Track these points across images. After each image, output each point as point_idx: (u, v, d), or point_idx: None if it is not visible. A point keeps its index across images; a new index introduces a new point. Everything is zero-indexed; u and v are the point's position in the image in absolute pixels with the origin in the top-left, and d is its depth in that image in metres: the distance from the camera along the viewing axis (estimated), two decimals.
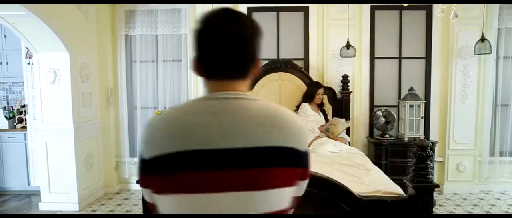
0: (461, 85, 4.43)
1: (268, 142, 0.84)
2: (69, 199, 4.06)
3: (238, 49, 0.89)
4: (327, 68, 4.58)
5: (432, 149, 4.19)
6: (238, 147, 0.82)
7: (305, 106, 4.05)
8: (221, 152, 0.82)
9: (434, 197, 2.14)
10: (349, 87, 4.43)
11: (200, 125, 0.85)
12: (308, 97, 4.12)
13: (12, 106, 4.95)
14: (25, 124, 4.67)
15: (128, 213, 3.98)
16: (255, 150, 0.83)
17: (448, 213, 3.89)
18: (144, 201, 2.32)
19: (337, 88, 4.50)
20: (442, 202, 4.18)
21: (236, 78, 0.92)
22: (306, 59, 4.62)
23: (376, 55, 4.60)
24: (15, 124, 4.78)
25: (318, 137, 3.93)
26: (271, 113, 0.88)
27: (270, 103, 0.92)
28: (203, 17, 0.91)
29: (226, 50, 0.89)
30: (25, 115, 4.70)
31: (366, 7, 4.52)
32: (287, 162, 0.87)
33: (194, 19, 4.57)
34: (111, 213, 3.99)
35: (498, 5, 4.32)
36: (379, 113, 4.39)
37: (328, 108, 4.38)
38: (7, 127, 4.67)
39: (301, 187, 0.98)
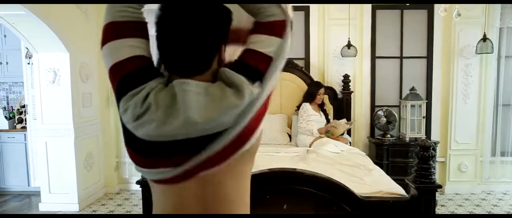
0: (463, 85, 4.41)
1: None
2: (69, 200, 4.04)
3: (189, 39, 0.88)
4: (328, 68, 4.56)
5: (434, 149, 4.17)
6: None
7: (306, 106, 4.04)
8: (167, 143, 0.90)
9: (436, 198, 2.13)
10: (350, 87, 4.42)
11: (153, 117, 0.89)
12: (309, 97, 4.10)
13: (12, 107, 4.94)
14: (25, 124, 4.66)
15: (128, 213, 3.97)
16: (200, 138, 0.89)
17: (449, 213, 3.87)
18: (144, 200, 2.31)
19: (338, 88, 4.49)
20: (443, 202, 4.16)
21: (194, 74, 0.91)
22: (307, 58, 4.61)
23: (377, 55, 4.58)
24: (15, 124, 4.77)
25: (320, 137, 3.91)
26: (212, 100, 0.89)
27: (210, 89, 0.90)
28: (158, 11, 0.91)
29: (177, 42, 0.88)
30: (25, 115, 4.68)
31: (367, 7, 4.50)
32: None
33: None
34: (111, 213, 3.98)
35: (500, 4, 4.30)
36: (380, 112, 4.38)
37: (329, 108, 4.36)
38: (7, 127, 4.66)
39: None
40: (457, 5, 3.16)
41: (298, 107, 4.20)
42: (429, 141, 2.12)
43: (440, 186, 2.14)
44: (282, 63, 0.95)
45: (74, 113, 4.01)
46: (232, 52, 0.99)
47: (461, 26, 4.32)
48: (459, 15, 2.99)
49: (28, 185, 4.62)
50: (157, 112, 0.87)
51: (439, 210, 3.91)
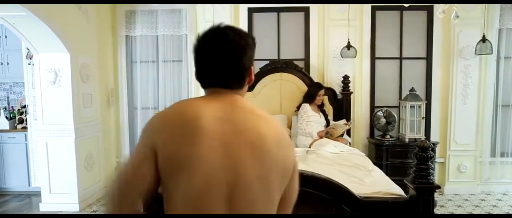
0: (462, 85, 4.42)
1: None
2: (69, 200, 4.05)
3: (234, 57, 1.04)
4: (328, 68, 4.57)
5: (433, 150, 4.18)
6: None
7: (306, 106, 4.04)
8: None
9: (435, 198, 2.13)
10: (349, 88, 4.43)
11: None
12: (309, 98, 4.11)
13: (12, 107, 4.95)
14: (26, 124, 4.67)
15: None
16: None
17: (449, 214, 3.88)
18: (144, 201, 2.31)
19: (337, 88, 4.50)
20: (443, 203, 4.17)
21: (234, 88, 1.07)
22: (306, 59, 4.62)
23: (376, 56, 4.59)
24: (15, 125, 4.78)
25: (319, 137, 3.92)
26: None
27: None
28: (202, 34, 1.06)
29: (223, 59, 1.03)
30: (25, 115, 4.70)
31: (367, 8, 4.52)
32: None
33: (194, 19, 4.57)
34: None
35: (499, 5, 4.31)
36: (379, 113, 4.39)
37: (329, 109, 4.37)
38: (7, 127, 4.67)
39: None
40: (455, 7, 3.16)
41: (298, 108, 4.21)
42: (427, 141, 2.13)
43: (438, 187, 2.14)
44: None
45: (75, 113, 4.02)
46: None
47: (461, 27, 4.33)
48: (457, 16, 2.99)
49: (29, 185, 4.63)
50: None
51: (438, 211, 3.92)
